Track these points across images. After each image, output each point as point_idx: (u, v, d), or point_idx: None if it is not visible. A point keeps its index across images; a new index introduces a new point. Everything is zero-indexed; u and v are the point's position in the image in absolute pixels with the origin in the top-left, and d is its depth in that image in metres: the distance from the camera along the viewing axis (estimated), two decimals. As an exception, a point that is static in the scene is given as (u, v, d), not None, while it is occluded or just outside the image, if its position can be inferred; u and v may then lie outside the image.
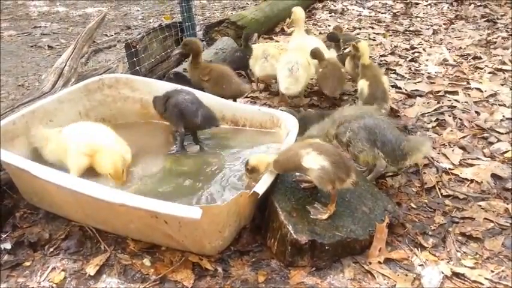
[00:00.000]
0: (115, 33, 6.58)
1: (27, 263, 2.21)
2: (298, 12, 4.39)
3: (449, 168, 2.96)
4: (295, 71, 3.56)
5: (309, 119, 2.97)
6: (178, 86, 3.09)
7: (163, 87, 3.15)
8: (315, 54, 3.81)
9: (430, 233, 2.41)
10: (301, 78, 3.61)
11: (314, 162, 2.13)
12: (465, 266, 2.18)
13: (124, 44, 4.48)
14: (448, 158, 3.07)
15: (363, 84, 3.42)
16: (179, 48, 3.68)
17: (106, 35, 6.45)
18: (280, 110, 3.09)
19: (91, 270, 2.14)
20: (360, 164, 2.63)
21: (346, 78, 4.01)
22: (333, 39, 4.37)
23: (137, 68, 4.07)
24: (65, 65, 3.54)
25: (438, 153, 3.13)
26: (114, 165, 2.47)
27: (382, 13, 7.34)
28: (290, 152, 2.24)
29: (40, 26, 7.08)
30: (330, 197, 2.23)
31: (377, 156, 2.54)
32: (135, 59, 4.15)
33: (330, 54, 4.16)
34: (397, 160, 2.55)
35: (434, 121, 3.60)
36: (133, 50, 4.16)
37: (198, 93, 3.03)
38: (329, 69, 3.76)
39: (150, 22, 7.11)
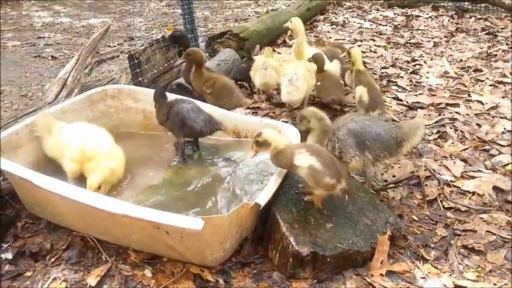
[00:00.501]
0: (118, 44, 6.63)
1: (29, 273, 2.21)
2: (297, 22, 4.44)
3: (451, 181, 2.96)
4: (294, 81, 3.65)
5: None
6: (180, 97, 3.11)
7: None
8: (316, 59, 3.83)
9: (432, 245, 2.41)
10: (301, 87, 3.69)
11: (304, 161, 2.19)
12: (467, 279, 2.17)
13: (127, 55, 4.51)
14: (450, 170, 3.07)
15: (361, 91, 3.43)
16: (182, 59, 3.70)
17: (109, 46, 6.51)
18: (283, 121, 3.11)
19: (92, 280, 2.14)
20: (352, 170, 2.63)
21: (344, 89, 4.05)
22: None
23: (140, 79, 4.09)
24: (69, 76, 3.57)
25: (440, 166, 3.13)
26: (99, 183, 2.49)
27: (383, 25, 7.40)
28: (288, 149, 2.30)
29: (44, 37, 7.15)
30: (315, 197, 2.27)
31: (367, 162, 2.54)
32: (138, 69, 4.17)
33: (332, 65, 4.20)
34: (394, 149, 2.54)
35: (436, 133, 3.61)
36: (136, 61, 4.19)
37: (201, 104, 3.04)
38: (327, 80, 3.83)
39: (153, 33, 7.18)
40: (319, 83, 3.85)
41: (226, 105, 3.37)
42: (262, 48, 5.66)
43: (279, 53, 5.45)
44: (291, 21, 4.48)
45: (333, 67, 4.25)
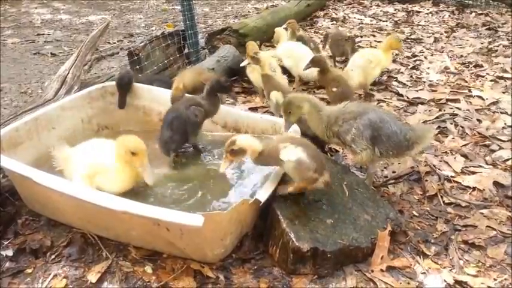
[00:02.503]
0: (118, 41, 6.61)
1: (29, 270, 2.21)
2: (279, 32, 4.66)
3: (452, 176, 2.96)
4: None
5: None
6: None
7: (166, 94, 3.17)
8: (317, 62, 3.62)
9: (432, 240, 2.41)
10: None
11: (291, 155, 2.17)
12: (468, 274, 2.17)
13: (127, 52, 4.51)
14: (450, 166, 3.06)
15: (277, 95, 3.30)
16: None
17: (109, 43, 6.49)
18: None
19: (92, 277, 2.14)
20: (357, 162, 2.61)
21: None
22: None
23: (140, 75, 4.08)
24: (68, 73, 3.56)
25: (440, 161, 3.13)
26: None
27: (384, 21, 7.37)
28: (270, 147, 2.26)
29: (43, 34, 7.13)
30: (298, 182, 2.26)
31: (375, 157, 2.52)
32: (137, 66, 4.17)
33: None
34: (402, 151, 2.52)
35: (436, 129, 3.60)
36: (136, 57, 4.19)
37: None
38: (340, 84, 3.61)
39: (152, 30, 7.16)
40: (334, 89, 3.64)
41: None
42: (263, 44, 5.69)
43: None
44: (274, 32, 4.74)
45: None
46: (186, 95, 3.14)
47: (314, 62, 3.62)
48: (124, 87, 3.22)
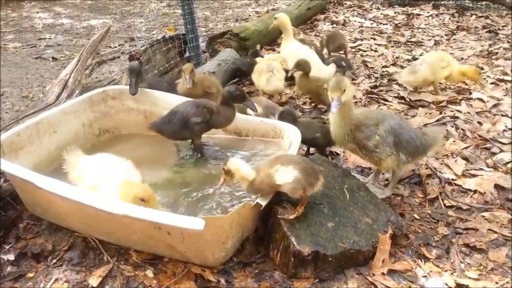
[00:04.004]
0: (119, 45, 6.64)
1: (30, 274, 2.21)
2: (282, 17, 4.45)
3: (452, 179, 2.96)
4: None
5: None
6: (184, 98, 3.11)
7: (167, 98, 3.18)
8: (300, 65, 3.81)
9: (433, 244, 2.40)
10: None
11: (287, 176, 2.13)
12: (469, 278, 2.16)
13: (128, 56, 4.52)
14: (451, 169, 3.06)
15: (257, 101, 3.41)
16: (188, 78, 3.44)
17: (110, 47, 6.51)
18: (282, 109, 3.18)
19: (94, 281, 2.14)
20: (384, 169, 2.64)
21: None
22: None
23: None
24: (69, 77, 3.58)
25: (441, 164, 3.13)
26: None
27: (384, 24, 7.39)
28: (261, 175, 2.18)
29: (45, 38, 7.16)
30: (301, 200, 2.23)
31: (401, 161, 2.56)
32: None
33: (329, 68, 4.24)
34: (419, 156, 2.63)
35: (437, 131, 3.60)
36: (137, 61, 4.19)
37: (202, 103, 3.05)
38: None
39: (153, 34, 7.18)
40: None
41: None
42: (263, 48, 5.71)
43: (279, 52, 5.44)
44: (275, 18, 4.52)
45: (328, 70, 4.26)
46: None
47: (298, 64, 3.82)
48: (134, 71, 3.19)
